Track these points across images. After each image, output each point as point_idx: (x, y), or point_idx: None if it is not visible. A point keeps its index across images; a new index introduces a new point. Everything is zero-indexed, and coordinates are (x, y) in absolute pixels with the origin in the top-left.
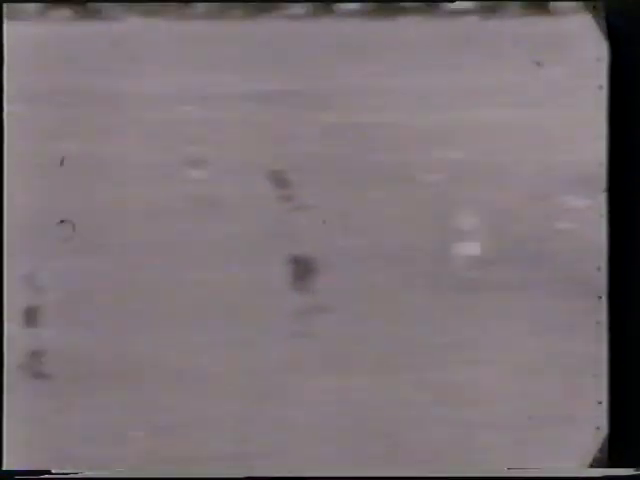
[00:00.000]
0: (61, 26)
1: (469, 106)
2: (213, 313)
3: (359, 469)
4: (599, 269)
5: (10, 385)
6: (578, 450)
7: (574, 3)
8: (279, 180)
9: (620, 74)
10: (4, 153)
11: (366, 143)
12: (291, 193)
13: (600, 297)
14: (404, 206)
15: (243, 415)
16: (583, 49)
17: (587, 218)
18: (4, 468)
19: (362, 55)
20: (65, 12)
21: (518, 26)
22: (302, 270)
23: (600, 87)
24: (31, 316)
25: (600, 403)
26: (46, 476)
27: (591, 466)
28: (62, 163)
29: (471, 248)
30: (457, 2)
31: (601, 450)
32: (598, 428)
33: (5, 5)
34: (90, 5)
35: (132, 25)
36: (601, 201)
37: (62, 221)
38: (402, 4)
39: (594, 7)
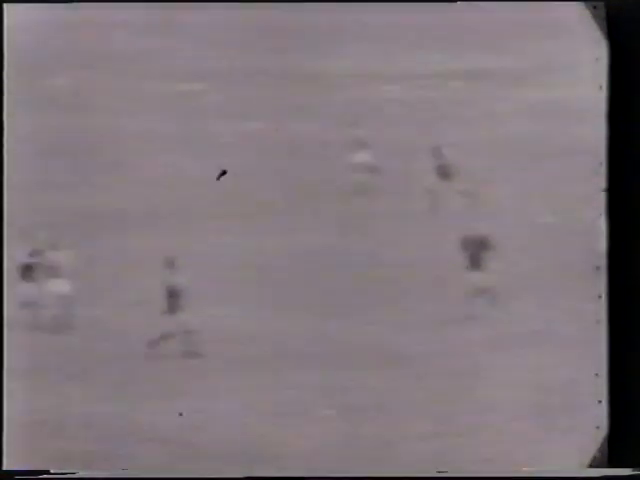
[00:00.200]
0: None
1: None
2: (404, 295)
3: (359, 469)
4: (598, 269)
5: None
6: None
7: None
8: None
9: (620, 74)
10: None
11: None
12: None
13: (600, 297)
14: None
15: (440, 395)
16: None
17: None
18: (4, 468)
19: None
20: None
21: None
22: (477, 250)
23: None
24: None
25: (600, 402)
26: (45, 476)
27: (591, 466)
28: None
29: None
30: (459, 2)
31: (601, 450)
32: (598, 427)
33: None
34: None
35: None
36: (601, 201)
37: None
38: None
39: (594, 7)
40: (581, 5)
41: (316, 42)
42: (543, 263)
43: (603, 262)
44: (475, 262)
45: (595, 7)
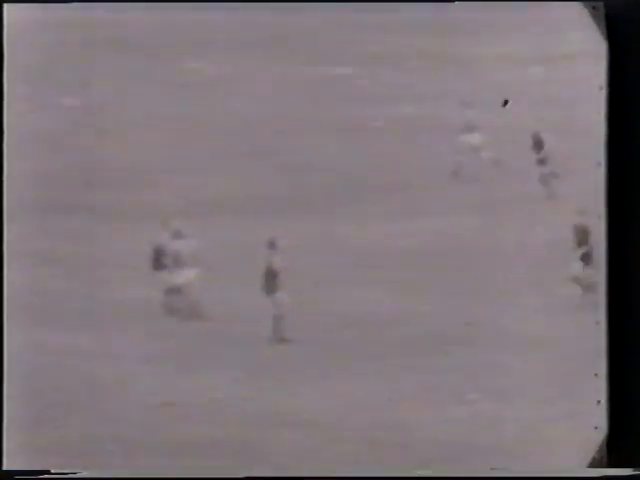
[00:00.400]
0: None
1: None
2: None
3: (359, 469)
4: (598, 269)
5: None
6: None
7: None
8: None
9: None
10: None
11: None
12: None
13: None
14: None
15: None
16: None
17: None
18: (4, 468)
19: None
20: None
21: None
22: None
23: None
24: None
25: (599, 402)
26: (45, 476)
27: (591, 466)
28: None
29: None
30: (457, 3)
31: (600, 450)
32: (597, 428)
33: None
34: None
35: None
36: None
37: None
38: None
39: (594, 7)
40: (580, 5)
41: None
42: None
43: (603, 262)
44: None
45: (594, 7)
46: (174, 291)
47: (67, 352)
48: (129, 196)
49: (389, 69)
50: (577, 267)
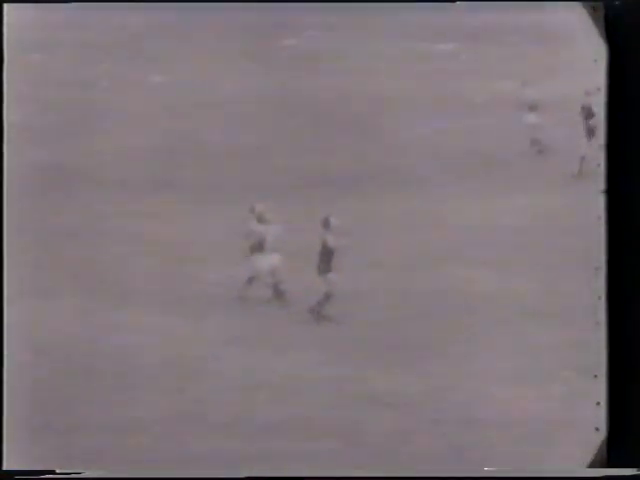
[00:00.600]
0: None
1: None
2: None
3: (359, 469)
4: (598, 269)
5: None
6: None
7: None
8: None
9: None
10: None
11: None
12: None
13: (600, 297)
14: None
15: None
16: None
17: None
18: (4, 468)
19: None
20: None
21: None
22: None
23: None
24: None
25: (599, 404)
26: (47, 476)
27: (591, 466)
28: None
29: None
30: (458, 3)
31: (600, 450)
32: (597, 429)
33: None
34: None
35: None
36: (600, 202)
37: None
38: None
39: (593, 8)
40: (580, 6)
41: None
42: None
43: (603, 262)
44: None
45: (594, 8)
46: (259, 274)
47: (151, 332)
48: (217, 178)
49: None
50: None
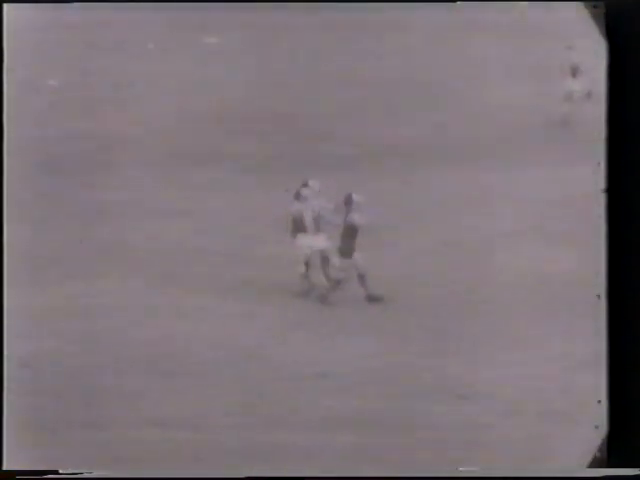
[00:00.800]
0: None
1: None
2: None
3: (359, 469)
4: (598, 270)
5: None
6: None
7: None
8: None
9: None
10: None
11: None
12: None
13: (599, 297)
14: None
15: None
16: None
17: None
18: (4, 468)
19: None
20: None
21: None
22: None
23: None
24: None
25: (599, 402)
26: (49, 476)
27: (591, 466)
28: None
29: None
30: (459, 2)
31: (601, 450)
32: (597, 427)
33: None
34: None
35: None
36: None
37: None
38: None
39: (593, 7)
40: (580, 5)
41: None
42: None
43: (603, 263)
44: None
45: (595, 6)
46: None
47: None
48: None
49: None
50: None
